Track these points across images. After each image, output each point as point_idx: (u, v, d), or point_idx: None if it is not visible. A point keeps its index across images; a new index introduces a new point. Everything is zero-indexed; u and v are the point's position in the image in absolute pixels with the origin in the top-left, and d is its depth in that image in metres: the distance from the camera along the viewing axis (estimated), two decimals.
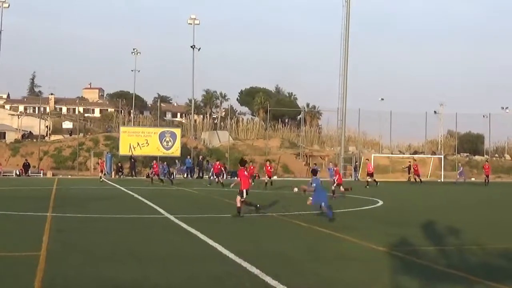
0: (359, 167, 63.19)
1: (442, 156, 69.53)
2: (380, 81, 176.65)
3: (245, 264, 10.66)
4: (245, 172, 19.25)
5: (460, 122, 77.40)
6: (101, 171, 48.92)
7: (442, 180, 62.44)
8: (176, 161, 61.48)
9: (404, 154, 77.27)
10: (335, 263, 11.18)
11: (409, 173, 57.07)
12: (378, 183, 40.98)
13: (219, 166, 42.60)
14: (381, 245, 13.12)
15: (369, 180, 42.15)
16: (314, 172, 20.15)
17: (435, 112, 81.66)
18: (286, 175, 63.32)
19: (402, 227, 17.06)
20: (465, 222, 18.93)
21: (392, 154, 74.28)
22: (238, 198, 18.75)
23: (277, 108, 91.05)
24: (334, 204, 26.78)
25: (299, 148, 76.17)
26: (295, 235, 15.38)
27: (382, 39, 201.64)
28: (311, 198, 18.89)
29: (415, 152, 77.03)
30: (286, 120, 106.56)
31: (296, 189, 22.97)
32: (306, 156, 73.39)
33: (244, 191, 18.80)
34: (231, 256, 11.52)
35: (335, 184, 28.92)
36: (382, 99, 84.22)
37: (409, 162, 59.17)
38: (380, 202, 27.01)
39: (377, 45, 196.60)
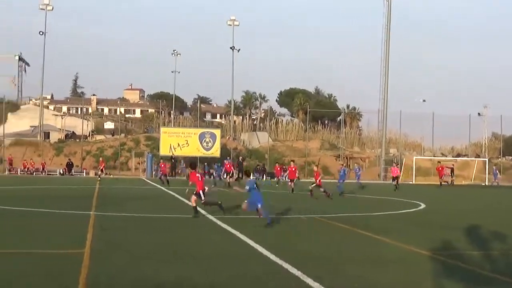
0: (401, 170, 62.60)
1: (487, 159, 68.29)
2: (422, 82, 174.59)
3: (286, 265, 10.61)
4: (197, 174, 18.96)
5: (506, 124, 75.97)
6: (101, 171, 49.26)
7: (486, 184, 61.40)
8: (216, 165, 61.41)
9: (446, 156, 76.19)
10: (376, 266, 11.07)
11: (452, 176, 56.29)
12: (397, 188, 40.28)
13: (229, 166, 42.23)
14: (423, 248, 12.96)
15: (395, 183, 41.86)
16: (247, 173, 19.66)
17: (479, 114, 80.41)
18: (326, 177, 63.00)
19: (444, 230, 16.83)
20: (510, 227, 18.55)
21: (434, 156, 73.29)
22: (194, 198, 18.37)
23: (316, 109, 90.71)
24: (375, 206, 26.62)
25: (339, 149, 75.74)
26: (336, 237, 15.29)
27: (424, 38, 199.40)
28: (246, 202, 17.04)
29: (458, 155, 75.94)
30: (326, 122, 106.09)
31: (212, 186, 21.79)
32: (347, 158, 72.97)
33: (201, 192, 18.36)
34: (272, 257, 11.50)
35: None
36: (424, 100, 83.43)
37: (452, 164, 58.42)
38: (422, 205, 26.68)
39: (419, 45, 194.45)
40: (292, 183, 34.54)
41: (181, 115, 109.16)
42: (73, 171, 59.97)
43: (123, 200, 26.00)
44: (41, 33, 72.46)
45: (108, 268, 10.13)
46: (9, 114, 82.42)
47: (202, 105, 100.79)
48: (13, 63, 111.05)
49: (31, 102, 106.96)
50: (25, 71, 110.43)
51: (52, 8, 72.32)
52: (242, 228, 15.81)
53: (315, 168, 31.33)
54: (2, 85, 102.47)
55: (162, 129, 68.37)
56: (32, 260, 10.80)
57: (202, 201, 18.46)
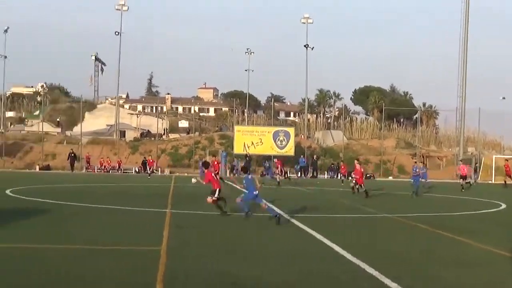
0: (479, 169, 60.80)
1: None
2: (501, 79, 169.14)
3: (362, 264, 10.44)
4: (213, 174, 18.72)
5: None
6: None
7: None
8: (235, 159, 60.20)
9: None
10: (456, 267, 10.72)
11: None
12: (464, 189, 38.64)
13: (279, 164, 41.49)
14: (504, 249, 12.47)
15: (462, 182, 40.28)
16: (245, 169, 19.23)
17: None
18: (402, 176, 61.94)
19: None
20: None
21: None
22: (209, 198, 17.99)
23: (392, 107, 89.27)
24: (454, 206, 25.95)
25: (415, 148, 74.26)
26: (414, 237, 14.96)
27: (502, 33, 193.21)
28: (242, 195, 17.57)
29: None
30: (402, 120, 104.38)
31: (194, 180, 21.59)
32: (423, 157, 71.35)
33: (217, 190, 18.07)
34: (348, 256, 11.34)
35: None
36: (504, 98, 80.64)
37: None
38: (503, 205, 25.78)
39: (497, 41, 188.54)
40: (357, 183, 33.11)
41: (254, 114, 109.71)
42: (148, 169, 61.03)
43: (198, 198, 26.17)
44: (116, 33, 74.13)
45: (185, 265, 10.20)
46: (86, 113, 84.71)
47: (275, 104, 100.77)
48: (89, 63, 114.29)
49: (107, 101, 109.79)
50: (102, 71, 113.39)
51: (128, 8, 73.94)
52: (318, 226, 15.66)
53: (357, 166, 30.52)
54: (80, 85, 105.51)
55: (236, 127, 68.75)
56: (114, 256, 11.04)
57: (214, 198, 18.06)
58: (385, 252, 12.21)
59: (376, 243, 13.58)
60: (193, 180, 20.62)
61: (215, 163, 40.17)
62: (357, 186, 29.79)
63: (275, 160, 42.25)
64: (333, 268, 10.30)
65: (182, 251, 11.70)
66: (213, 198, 18.01)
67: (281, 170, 42.59)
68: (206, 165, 19.95)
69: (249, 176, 17.61)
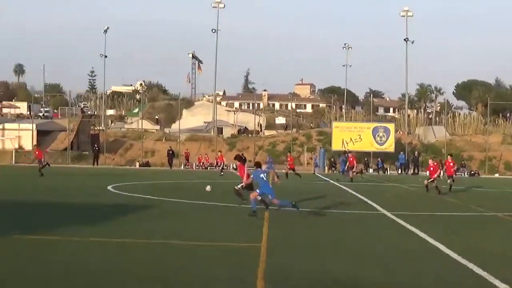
0: None
1: None
2: None
3: (470, 265, 10.06)
4: (246, 169, 19.05)
5: None
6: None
7: None
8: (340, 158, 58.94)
9: None
10: None
11: None
12: None
13: (352, 159, 40.02)
14: None
15: None
16: (258, 164, 18.46)
17: None
18: (508, 173, 59.47)
19: None
20: None
21: None
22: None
23: (497, 102, 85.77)
24: None
25: None
26: None
27: None
28: (257, 191, 17.15)
29: None
30: (508, 115, 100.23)
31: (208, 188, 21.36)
32: None
33: (243, 184, 18.60)
34: (454, 255, 10.97)
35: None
36: None
37: None
38: None
39: None
40: (451, 180, 31.36)
41: (352, 109, 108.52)
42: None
43: (296, 195, 26.06)
44: (213, 30, 75.17)
45: (284, 261, 10.17)
46: (184, 111, 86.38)
47: (374, 99, 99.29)
48: (187, 61, 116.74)
49: (204, 98, 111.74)
50: (199, 68, 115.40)
51: (224, 6, 74.73)
52: (421, 225, 15.23)
53: (430, 162, 29.29)
54: (177, 83, 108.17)
55: (334, 123, 68.27)
56: (214, 252, 11.15)
57: (237, 187, 18.82)
58: (493, 252, 11.73)
59: (484, 242, 13.07)
60: (207, 188, 20.81)
61: (351, 159, 39.47)
62: (448, 181, 29.15)
63: (349, 155, 41.13)
64: (440, 268, 10.00)
65: (282, 248, 11.68)
66: (238, 187, 19.02)
67: (355, 166, 41.72)
68: (239, 158, 20.13)
69: (261, 171, 17.29)
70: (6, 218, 15.54)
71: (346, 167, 40.66)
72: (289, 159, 43.54)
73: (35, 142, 55.30)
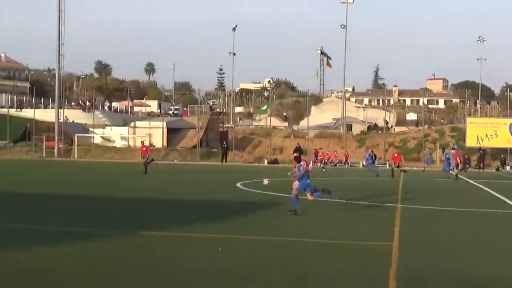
0: None
1: None
2: None
3: None
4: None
5: None
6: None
7: None
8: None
9: None
10: None
11: None
12: None
13: (458, 156, 37.44)
14: None
15: None
16: (297, 159, 16.94)
17: None
18: None
19: None
20: None
21: None
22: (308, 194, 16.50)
23: None
24: None
25: None
26: None
27: None
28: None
29: None
30: None
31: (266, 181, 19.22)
32: None
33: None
34: None
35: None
36: None
37: None
38: None
39: None
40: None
41: (487, 105, 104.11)
42: (376, 163, 60.46)
43: (427, 193, 25.40)
44: (342, 26, 74.69)
45: (417, 261, 10.05)
46: (312, 107, 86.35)
47: (511, 94, 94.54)
48: (315, 58, 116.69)
49: (333, 95, 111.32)
50: (327, 64, 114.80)
51: (353, 1, 73.99)
52: None
53: (452, 151, 27.29)
54: (305, 79, 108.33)
55: (468, 119, 65.93)
56: (344, 250, 11.19)
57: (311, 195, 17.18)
58: None
59: None
60: (265, 182, 19.71)
61: (456, 155, 37.95)
62: None
63: (453, 151, 38.94)
64: None
65: (414, 247, 11.54)
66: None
67: (460, 163, 39.67)
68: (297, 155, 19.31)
69: (299, 165, 16.67)
70: (150, 214, 16.37)
71: (451, 164, 38.70)
72: (395, 155, 42.03)
73: (163, 139, 57.44)
